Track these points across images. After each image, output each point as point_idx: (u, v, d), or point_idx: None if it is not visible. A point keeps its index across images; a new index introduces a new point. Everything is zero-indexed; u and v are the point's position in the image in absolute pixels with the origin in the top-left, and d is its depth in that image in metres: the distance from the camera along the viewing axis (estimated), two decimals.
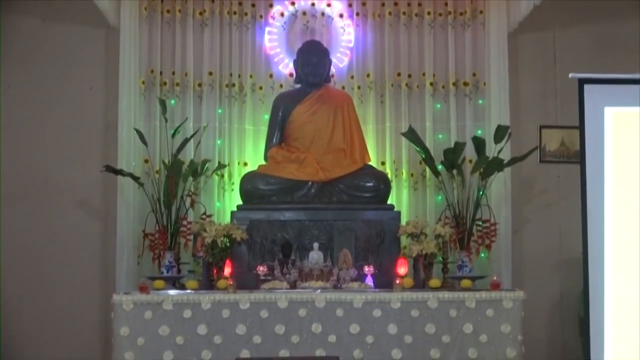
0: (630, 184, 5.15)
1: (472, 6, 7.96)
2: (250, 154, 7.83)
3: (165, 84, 7.81)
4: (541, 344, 7.65)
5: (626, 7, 7.88)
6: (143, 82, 7.75)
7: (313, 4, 8.01)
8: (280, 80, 7.97)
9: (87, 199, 7.76)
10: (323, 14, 8.03)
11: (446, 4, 7.98)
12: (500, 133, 7.31)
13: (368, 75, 7.93)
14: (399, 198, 7.74)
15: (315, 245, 6.72)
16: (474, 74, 7.91)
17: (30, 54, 7.82)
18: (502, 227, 7.49)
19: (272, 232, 6.96)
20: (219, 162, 7.68)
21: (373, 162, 7.62)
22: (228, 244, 6.79)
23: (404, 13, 7.96)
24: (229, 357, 5.96)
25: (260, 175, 7.26)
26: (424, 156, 7.48)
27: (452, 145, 7.51)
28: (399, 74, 7.92)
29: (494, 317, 6.16)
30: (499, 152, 7.28)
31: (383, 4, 7.98)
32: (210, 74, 7.84)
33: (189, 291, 6.37)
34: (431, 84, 7.88)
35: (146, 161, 7.60)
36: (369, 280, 6.51)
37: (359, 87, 7.93)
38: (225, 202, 7.70)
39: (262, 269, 6.51)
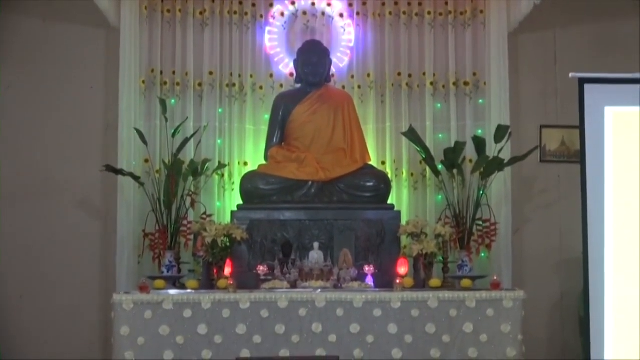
0: (631, 184, 5.15)
1: (473, 6, 7.96)
2: (251, 154, 7.83)
3: (165, 83, 7.81)
4: (541, 343, 7.66)
5: (626, 7, 7.89)
6: (143, 82, 7.75)
7: (313, 4, 8.01)
8: (281, 79, 7.97)
9: (88, 198, 7.76)
10: (323, 13, 8.03)
11: (446, 4, 7.98)
12: (501, 133, 7.31)
13: (368, 75, 7.93)
14: (399, 198, 7.74)
15: (316, 244, 6.72)
16: (474, 74, 7.91)
17: (31, 53, 7.82)
18: (502, 227, 7.49)
19: (273, 232, 6.96)
20: (219, 162, 7.69)
21: (373, 162, 7.62)
22: (228, 244, 6.79)
23: (404, 13, 7.96)
24: (229, 357, 5.96)
25: (261, 174, 7.26)
26: (424, 156, 7.48)
27: (453, 145, 7.51)
28: (399, 74, 7.92)
29: (494, 316, 6.15)
30: (499, 151, 7.28)
31: (383, 4, 7.98)
32: (211, 73, 7.84)
33: (189, 291, 6.36)
34: (431, 83, 7.88)
35: (146, 161, 7.60)
36: (369, 280, 6.51)
37: (359, 87, 7.93)
38: (226, 201, 7.70)
39: (262, 269, 6.51)
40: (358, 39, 7.99)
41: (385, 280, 6.50)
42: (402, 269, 6.45)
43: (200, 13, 7.88)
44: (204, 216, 7.33)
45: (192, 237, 7.18)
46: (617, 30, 8.00)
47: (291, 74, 7.87)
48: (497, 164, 7.23)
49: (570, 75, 5.29)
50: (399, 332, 6.10)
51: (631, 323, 5.07)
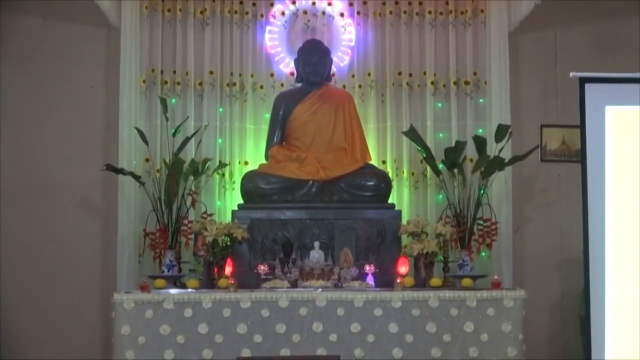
0: (631, 183, 5.15)
1: (473, 5, 7.96)
2: (251, 153, 7.83)
3: (166, 82, 7.81)
4: (542, 343, 7.66)
5: (626, 7, 7.89)
6: (144, 81, 7.75)
7: (314, 3, 8.01)
8: (281, 79, 7.97)
9: (88, 198, 7.76)
10: (324, 12, 8.03)
11: (447, 3, 7.98)
12: (501, 132, 7.31)
13: (369, 74, 7.94)
14: (400, 197, 7.74)
15: (316, 244, 6.72)
16: (474, 73, 7.91)
17: (31, 53, 7.82)
18: (503, 226, 7.49)
19: (273, 231, 6.96)
20: (220, 161, 7.69)
21: (374, 161, 7.63)
22: (229, 243, 6.79)
23: (404, 12, 7.96)
24: (230, 356, 5.95)
25: (261, 174, 7.26)
26: (424, 155, 7.48)
27: (453, 144, 7.51)
28: (399, 73, 7.92)
29: (495, 316, 6.15)
30: (500, 151, 7.28)
31: (384, 3, 7.98)
32: (211, 72, 7.84)
33: (189, 290, 6.36)
34: (432, 83, 7.88)
35: (147, 160, 7.60)
36: (370, 279, 6.51)
37: (359, 86, 7.93)
38: (226, 201, 7.70)
39: (263, 268, 6.51)
40: (358, 38, 7.99)
41: (385, 280, 6.50)
42: (403, 268, 6.44)
43: (201, 12, 7.88)
44: (205, 215, 7.33)
45: (192, 236, 7.19)
46: (617, 30, 8.00)
47: (292, 74, 7.87)
48: (498, 164, 7.23)
49: (571, 74, 5.29)
50: (400, 332, 6.10)
51: (632, 322, 5.07)
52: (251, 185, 7.18)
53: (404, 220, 7.20)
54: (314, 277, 6.44)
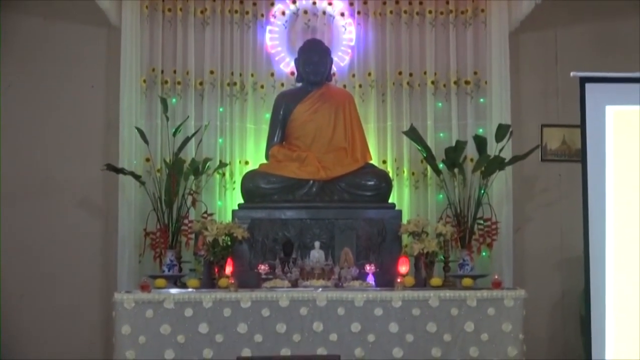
0: (632, 183, 5.14)
1: (474, 5, 7.96)
2: (252, 153, 7.83)
3: (166, 82, 7.81)
4: (542, 342, 7.66)
5: (626, 6, 7.89)
6: (144, 81, 7.75)
7: (314, 3, 8.01)
8: (282, 79, 7.97)
9: (88, 197, 7.76)
10: (324, 12, 8.03)
11: (447, 3, 7.98)
12: (502, 132, 7.31)
13: (369, 74, 7.94)
14: (400, 197, 7.74)
15: (317, 243, 6.72)
16: (475, 73, 7.91)
17: (31, 52, 7.82)
18: (503, 226, 7.49)
19: (274, 231, 6.96)
20: (220, 161, 7.69)
21: (374, 161, 7.63)
22: (229, 243, 6.79)
23: (405, 12, 7.96)
24: (230, 356, 5.95)
25: (262, 173, 7.27)
26: (425, 155, 7.49)
27: (454, 144, 7.51)
28: (400, 73, 7.92)
29: (495, 315, 6.15)
30: (500, 150, 7.28)
31: (384, 3, 7.98)
32: (212, 72, 7.84)
33: (190, 290, 6.36)
34: (432, 82, 7.89)
35: (147, 160, 7.60)
36: (370, 279, 6.52)
37: (360, 86, 7.94)
38: (227, 200, 7.70)
39: (263, 268, 6.51)
40: (359, 38, 7.99)
41: (386, 279, 6.50)
42: (403, 268, 6.44)
43: (201, 12, 7.88)
44: (205, 215, 7.33)
45: (193, 236, 7.19)
46: (617, 29, 8.01)
47: (292, 73, 7.87)
48: (498, 163, 7.23)
49: (571, 74, 5.28)
50: (400, 331, 6.10)
51: (632, 322, 5.06)
52: (252, 184, 7.18)
53: (405, 220, 7.20)
54: (315, 276, 6.44)
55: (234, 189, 7.69)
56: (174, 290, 6.32)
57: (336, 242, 6.90)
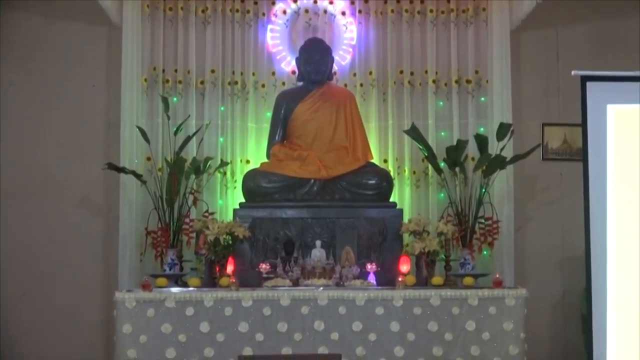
0: (633, 182, 5.15)
1: (475, 4, 7.96)
2: (253, 152, 7.83)
3: (167, 81, 7.81)
4: (544, 341, 7.65)
5: (627, 6, 7.89)
6: (145, 80, 7.75)
7: (315, 2, 8.00)
8: (283, 77, 7.97)
9: (89, 197, 7.76)
10: (325, 11, 8.02)
11: (449, 2, 7.98)
12: (503, 130, 7.31)
13: (370, 73, 7.93)
14: (402, 196, 7.74)
15: (318, 242, 6.72)
16: (476, 72, 7.91)
17: (32, 52, 7.82)
18: (504, 225, 7.49)
19: (275, 230, 6.96)
20: (222, 160, 7.68)
21: (375, 160, 7.62)
22: (230, 242, 6.78)
23: (406, 10, 7.96)
24: (232, 355, 5.96)
25: (263, 173, 7.26)
26: (426, 154, 7.49)
27: (455, 143, 7.51)
28: (401, 72, 7.92)
29: (497, 314, 6.16)
30: (502, 149, 7.28)
31: (385, 2, 7.97)
32: (213, 71, 7.83)
33: (191, 289, 6.36)
34: (434, 81, 7.88)
35: (148, 159, 7.61)
36: (372, 278, 6.52)
37: (361, 85, 7.93)
38: (228, 199, 7.70)
39: (264, 267, 6.52)
40: (360, 37, 7.99)
41: (387, 278, 6.51)
42: (404, 267, 6.44)
43: (202, 11, 7.87)
44: (206, 214, 7.33)
45: (194, 235, 7.19)
46: (618, 28, 8.01)
47: (293, 72, 7.87)
48: (499, 162, 7.23)
49: (573, 73, 5.29)
50: (401, 330, 6.11)
51: (633, 320, 5.07)
52: (253, 183, 7.18)
53: (406, 219, 7.20)
54: (316, 275, 6.44)
55: (235, 188, 7.69)
56: (175, 289, 6.32)
57: (337, 241, 6.90)
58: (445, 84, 7.92)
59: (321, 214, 7.02)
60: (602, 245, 5.13)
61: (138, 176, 7.32)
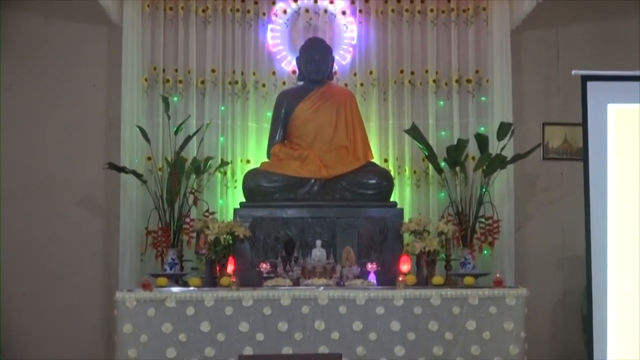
0: (633, 181, 5.14)
1: (475, 3, 7.96)
2: (253, 152, 7.82)
3: (168, 81, 7.81)
4: (544, 341, 7.65)
5: (627, 5, 7.90)
6: (146, 80, 7.75)
7: (316, 1, 8.00)
8: (283, 77, 7.97)
9: (90, 196, 7.76)
10: (326, 11, 8.02)
11: (449, 1, 7.97)
12: (503, 130, 7.31)
13: (371, 73, 7.93)
14: (402, 195, 7.74)
15: (318, 242, 6.72)
16: (476, 71, 7.91)
17: (32, 51, 7.82)
18: (505, 224, 7.49)
19: (275, 230, 6.96)
20: (222, 160, 7.68)
21: (376, 160, 7.62)
22: (231, 242, 6.78)
23: (406, 10, 7.95)
24: (232, 354, 5.96)
25: (263, 172, 7.26)
26: (426, 153, 7.49)
27: (455, 143, 7.51)
28: (401, 71, 7.91)
29: (497, 314, 6.16)
30: (502, 149, 7.28)
31: (386, 1, 7.97)
32: (213, 71, 7.83)
33: (192, 288, 6.36)
34: (434, 81, 7.88)
35: (149, 158, 7.61)
36: (372, 278, 6.52)
37: (361, 84, 7.93)
38: (228, 199, 7.70)
39: (265, 266, 6.52)
40: (360, 37, 7.99)
41: (387, 278, 6.50)
42: (405, 266, 6.43)
43: (203, 11, 7.87)
44: (207, 214, 7.33)
45: (194, 234, 7.19)
46: (618, 28, 8.01)
47: (294, 72, 7.87)
48: (500, 162, 7.23)
49: (573, 72, 5.28)
50: (402, 330, 6.11)
51: (634, 320, 5.06)
52: (253, 183, 7.18)
53: (406, 219, 7.20)
54: (316, 275, 6.44)
55: (235, 187, 7.69)
56: (175, 289, 6.32)
57: (338, 241, 6.89)
58: (446, 84, 7.92)
59: (321, 213, 7.02)
60: (603, 244, 5.12)
61: (138, 176, 7.32)
